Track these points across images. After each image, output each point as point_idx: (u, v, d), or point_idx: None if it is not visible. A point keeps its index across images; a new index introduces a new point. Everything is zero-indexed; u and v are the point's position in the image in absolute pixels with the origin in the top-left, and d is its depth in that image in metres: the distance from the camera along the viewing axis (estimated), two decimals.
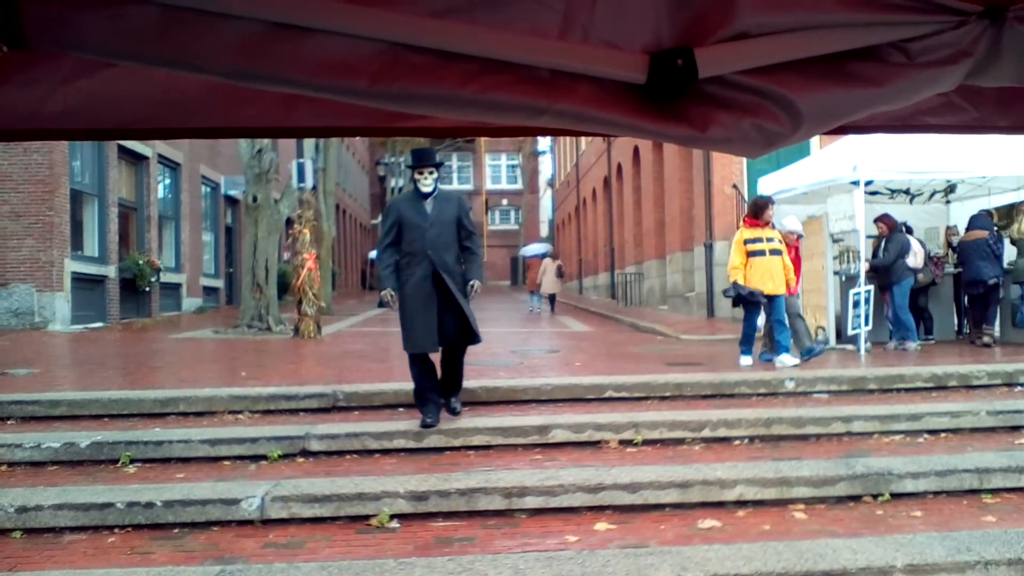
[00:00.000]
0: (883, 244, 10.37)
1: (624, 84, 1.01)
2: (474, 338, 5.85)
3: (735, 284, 8.54)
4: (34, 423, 6.20)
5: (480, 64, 0.97)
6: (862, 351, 9.50)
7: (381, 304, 6.13)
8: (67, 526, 4.42)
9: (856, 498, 4.76)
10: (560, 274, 23.03)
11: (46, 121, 1.13)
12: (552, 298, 22.99)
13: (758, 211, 8.70)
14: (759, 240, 8.48)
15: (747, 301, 8.53)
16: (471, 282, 5.92)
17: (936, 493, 4.84)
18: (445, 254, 5.75)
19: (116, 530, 4.41)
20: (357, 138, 43.46)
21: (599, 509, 4.59)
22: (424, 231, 5.73)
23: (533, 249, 31.57)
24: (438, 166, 5.96)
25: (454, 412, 6.01)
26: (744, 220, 8.92)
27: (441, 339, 5.71)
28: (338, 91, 0.96)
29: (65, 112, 1.10)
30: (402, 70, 0.95)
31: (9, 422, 6.23)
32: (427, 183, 5.81)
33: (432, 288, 5.67)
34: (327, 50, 0.94)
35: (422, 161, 5.87)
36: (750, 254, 8.44)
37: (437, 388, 5.87)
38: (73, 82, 1.06)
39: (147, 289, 17.32)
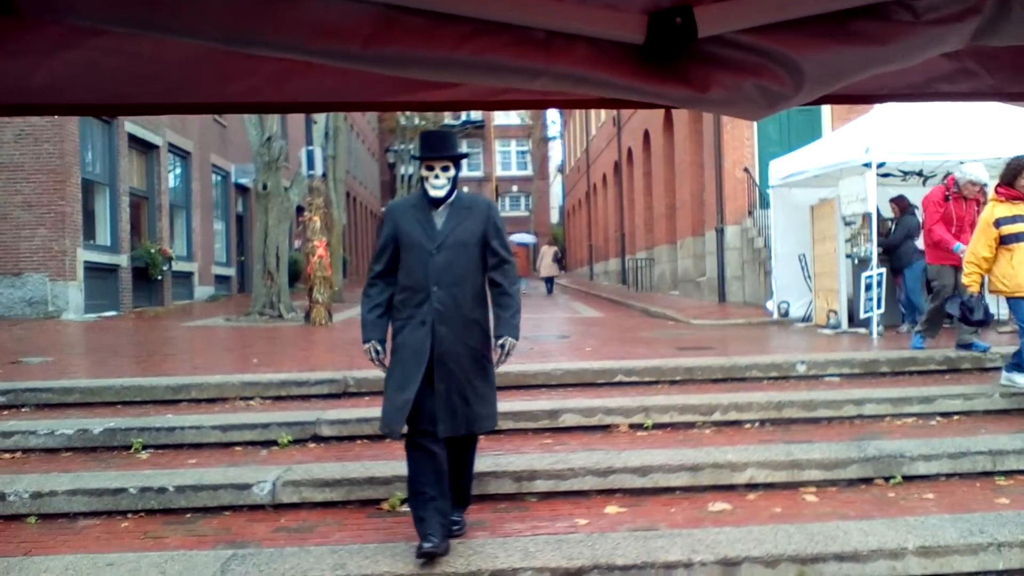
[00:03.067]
0: (893, 226, 10.29)
1: (622, 45, 0.98)
2: (488, 423, 3.96)
3: (968, 298, 6.41)
4: (48, 410, 6.25)
5: (475, 26, 0.94)
6: (874, 334, 9.44)
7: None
8: (81, 511, 4.46)
9: (868, 481, 4.73)
10: (557, 259, 27.36)
11: (32, 95, 1.11)
12: (550, 280, 27.19)
13: (1016, 176, 6.23)
14: (1018, 219, 6.08)
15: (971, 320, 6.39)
16: (501, 339, 3.87)
17: (949, 475, 4.80)
18: (458, 293, 3.78)
19: (129, 515, 4.44)
20: (367, 125, 43.43)
21: (609, 492, 4.58)
22: (429, 256, 3.76)
23: (520, 238, 38.75)
24: (457, 159, 3.96)
25: (452, 531, 3.89)
26: (996, 191, 6.42)
27: (436, 424, 3.70)
28: (332, 55, 0.95)
29: (51, 86, 1.09)
30: (396, 33, 0.93)
31: (24, 409, 6.28)
32: (439, 184, 3.81)
33: (431, 345, 3.71)
34: (320, 13, 0.92)
35: (434, 149, 3.88)
36: (1004, 240, 6.05)
37: (444, 492, 3.74)
38: (60, 53, 1.04)
39: (159, 278, 17.41)
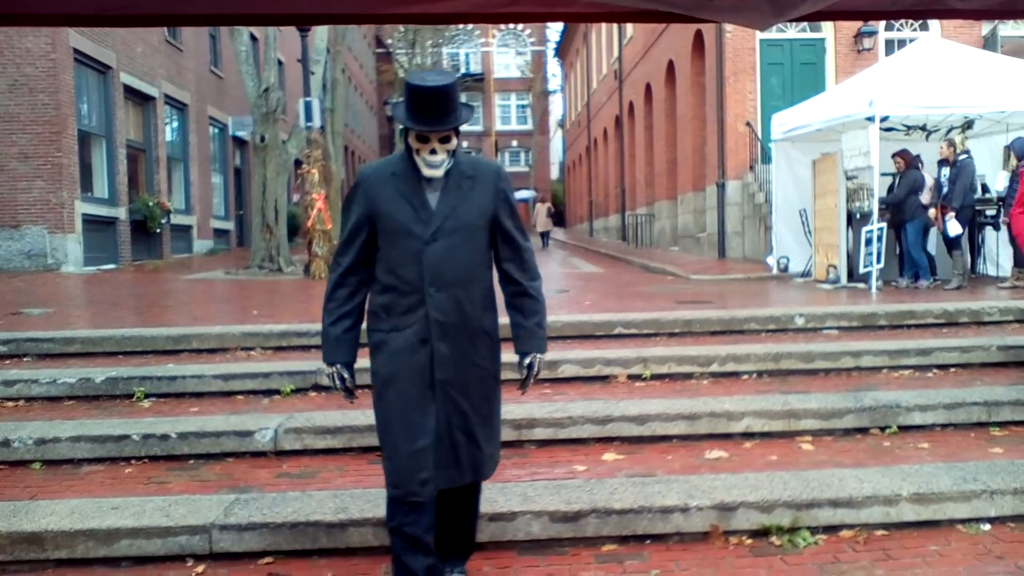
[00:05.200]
0: (897, 180, 10.24)
1: None
2: (494, 464, 3.06)
3: None
4: (49, 360, 6.28)
5: None
6: (873, 289, 9.45)
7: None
8: (84, 457, 4.51)
9: (863, 430, 4.78)
10: (550, 214, 29.59)
11: (24, 5, 1.09)
12: (545, 235, 29.13)
13: None
14: None
15: None
16: (526, 357, 2.98)
17: (944, 426, 4.85)
18: (463, 297, 2.84)
19: (132, 461, 4.49)
20: (365, 78, 42.90)
21: (607, 440, 4.63)
22: (421, 247, 2.79)
23: (521, 194, 39.60)
24: (456, 130, 2.81)
25: None
26: None
27: (425, 480, 2.81)
28: None
29: None
30: None
31: (25, 359, 6.32)
32: (436, 162, 2.77)
33: (428, 369, 2.82)
34: None
35: (428, 116, 2.70)
36: None
37: (432, 551, 2.91)
38: None
39: (158, 231, 17.38)
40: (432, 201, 2.80)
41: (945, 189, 9.85)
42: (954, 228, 9.64)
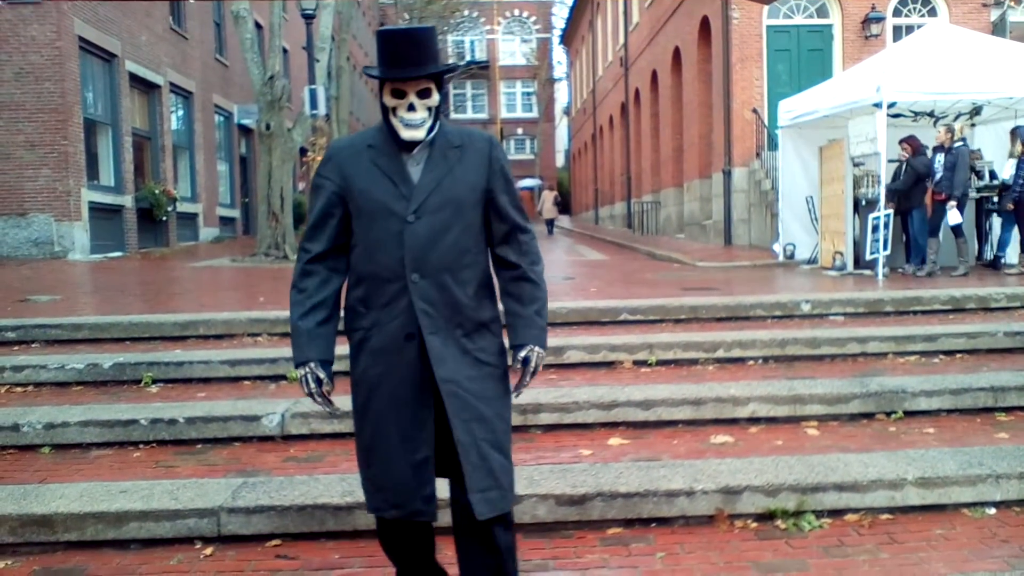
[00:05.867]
0: (904, 167, 10.19)
1: None
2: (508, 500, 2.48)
3: None
4: (57, 346, 6.32)
5: None
6: (880, 276, 9.43)
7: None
8: (93, 442, 4.53)
9: (869, 416, 4.78)
10: (557, 202, 30.41)
11: None
12: (551, 222, 29.89)
13: None
14: None
15: None
16: (523, 351, 2.54)
17: (950, 411, 4.84)
18: (453, 283, 2.43)
19: (140, 446, 4.52)
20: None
21: (613, 425, 4.64)
22: (402, 226, 2.39)
23: (526, 182, 40.24)
24: (441, 76, 2.44)
25: None
26: None
27: (476, 493, 2.39)
28: None
29: None
30: None
31: (33, 345, 6.35)
32: (415, 120, 2.39)
33: (420, 367, 2.42)
34: None
35: (400, 62, 2.36)
36: None
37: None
38: None
39: (164, 219, 17.42)
40: (415, 175, 2.41)
41: (938, 175, 9.80)
42: (955, 217, 9.61)
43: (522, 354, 2.51)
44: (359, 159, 2.44)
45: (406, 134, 2.37)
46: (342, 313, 2.56)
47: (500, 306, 2.59)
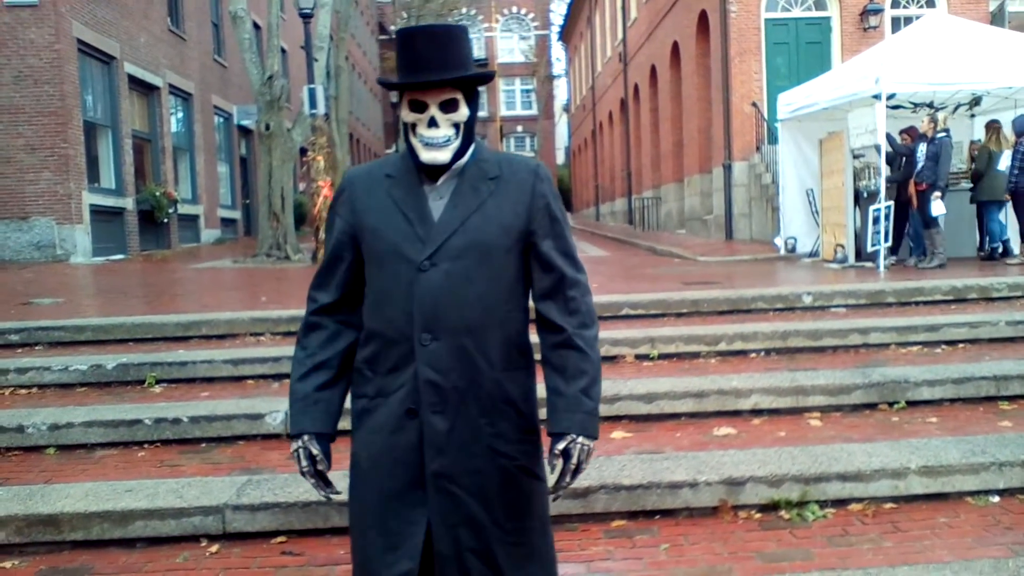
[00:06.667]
0: (903, 159, 10.18)
1: None
2: None
3: None
4: (61, 348, 6.33)
5: None
6: (881, 267, 9.43)
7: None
8: (97, 442, 4.55)
9: (872, 406, 4.78)
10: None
11: None
12: None
13: None
14: None
15: None
16: (564, 441, 1.96)
17: (952, 400, 4.85)
18: (474, 347, 1.94)
19: (145, 445, 4.53)
20: (369, 64, 42.81)
21: (615, 419, 4.64)
22: (414, 272, 1.92)
23: None
24: (472, 82, 1.97)
25: None
26: None
27: None
28: None
29: None
30: None
31: (37, 347, 6.36)
32: (437, 138, 1.93)
33: (420, 454, 1.94)
34: None
35: (422, 66, 1.89)
36: None
37: None
38: None
39: (165, 221, 17.44)
40: (436, 211, 1.93)
41: (920, 165, 9.81)
42: (938, 208, 9.61)
43: (560, 446, 1.94)
44: (374, 191, 2.00)
45: (426, 156, 1.92)
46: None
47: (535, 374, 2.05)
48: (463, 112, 1.95)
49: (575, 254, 2.06)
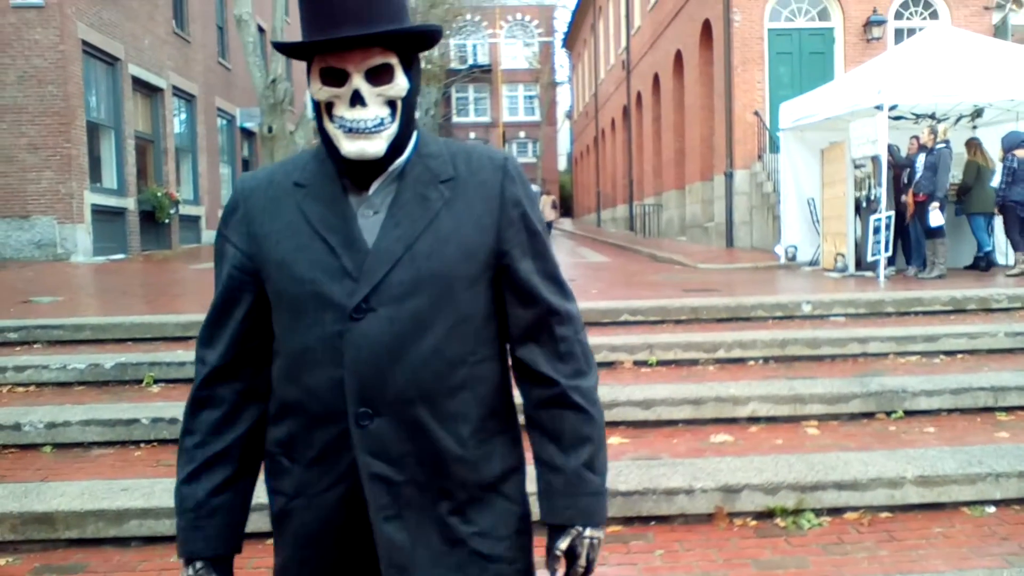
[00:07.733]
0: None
1: None
2: None
3: None
4: (59, 346, 6.33)
5: None
6: (881, 277, 9.43)
7: None
8: (94, 441, 4.54)
9: (869, 415, 4.78)
10: (554, 206, 30.28)
11: None
12: (549, 224, 30.82)
13: None
14: None
15: None
16: (568, 536, 1.46)
17: (950, 411, 4.84)
18: (430, 418, 1.36)
19: (142, 444, 4.53)
20: None
21: (612, 425, 4.62)
22: (343, 321, 1.33)
23: None
24: (408, 44, 1.36)
25: None
26: None
27: None
28: None
29: None
30: None
31: (36, 345, 6.37)
32: (361, 121, 1.32)
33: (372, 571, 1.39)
34: None
35: (327, 19, 1.29)
36: None
37: None
38: None
39: (166, 221, 17.45)
40: (370, 231, 1.38)
41: (918, 175, 9.83)
42: (936, 219, 9.62)
43: (563, 544, 1.46)
44: (280, 207, 1.41)
45: (349, 147, 1.34)
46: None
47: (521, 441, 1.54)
48: (400, 84, 1.37)
49: (562, 277, 1.50)
